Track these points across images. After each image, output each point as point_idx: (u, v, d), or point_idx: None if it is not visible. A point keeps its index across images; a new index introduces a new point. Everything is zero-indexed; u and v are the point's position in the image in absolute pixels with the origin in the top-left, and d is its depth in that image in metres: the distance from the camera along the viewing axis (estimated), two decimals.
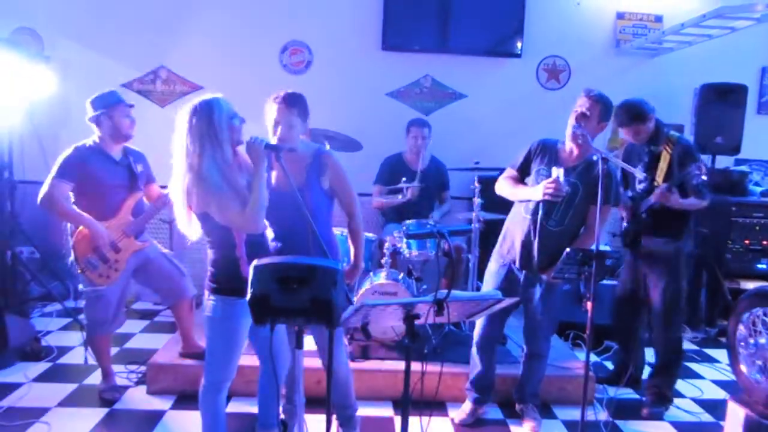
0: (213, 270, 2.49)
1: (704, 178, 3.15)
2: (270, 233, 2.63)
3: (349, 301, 2.16)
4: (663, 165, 3.39)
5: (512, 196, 3.20)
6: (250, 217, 2.33)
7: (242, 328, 2.50)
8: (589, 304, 2.75)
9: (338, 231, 3.89)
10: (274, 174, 2.70)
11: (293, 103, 2.58)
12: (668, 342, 3.56)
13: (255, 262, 1.97)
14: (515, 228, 3.18)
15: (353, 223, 2.82)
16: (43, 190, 3.17)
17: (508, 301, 2.18)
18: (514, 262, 3.16)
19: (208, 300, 2.49)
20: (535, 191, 2.99)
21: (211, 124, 2.31)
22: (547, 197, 2.93)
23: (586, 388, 2.85)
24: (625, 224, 3.62)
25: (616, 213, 3.74)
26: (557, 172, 2.93)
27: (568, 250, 2.79)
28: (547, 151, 3.13)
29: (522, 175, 3.21)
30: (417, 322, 2.08)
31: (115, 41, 5.30)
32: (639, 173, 3.05)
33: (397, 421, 3.27)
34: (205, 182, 2.29)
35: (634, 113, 3.38)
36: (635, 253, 3.61)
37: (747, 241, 4.95)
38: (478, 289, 4.05)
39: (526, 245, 3.10)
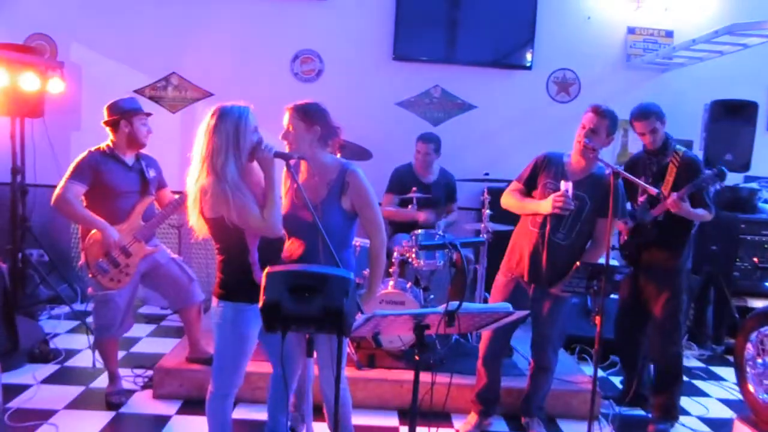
0: (222, 276, 2.50)
1: (719, 185, 3.16)
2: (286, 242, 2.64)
3: (360, 310, 2.16)
4: (669, 178, 3.39)
5: (519, 209, 3.20)
6: (269, 221, 2.36)
7: (251, 335, 2.51)
8: (597, 319, 2.75)
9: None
10: (290, 184, 2.70)
11: (295, 107, 2.59)
12: (667, 357, 3.50)
13: (268, 269, 1.98)
14: (523, 242, 3.18)
15: (373, 248, 2.67)
16: (57, 192, 3.20)
17: (518, 314, 2.17)
18: (523, 277, 3.16)
19: (218, 306, 2.50)
20: (544, 204, 3.01)
21: (238, 130, 2.35)
22: (556, 210, 2.94)
23: (593, 402, 2.84)
24: (625, 237, 3.59)
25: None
26: (566, 186, 2.94)
27: (578, 263, 2.79)
28: (554, 165, 3.14)
29: (528, 189, 3.21)
30: (427, 332, 2.09)
31: (127, 47, 5.37)
32: (653, 190, 3.04)
33: (403, 431, 3.29)
34: (227, 184, 2.32)
35: (649, 110, 3.41)
36: (636, 267, 3.56)
37: (755, 259, 4.93)
38: (485, 299, 4.04)
39: (534, 259, 3.10)
